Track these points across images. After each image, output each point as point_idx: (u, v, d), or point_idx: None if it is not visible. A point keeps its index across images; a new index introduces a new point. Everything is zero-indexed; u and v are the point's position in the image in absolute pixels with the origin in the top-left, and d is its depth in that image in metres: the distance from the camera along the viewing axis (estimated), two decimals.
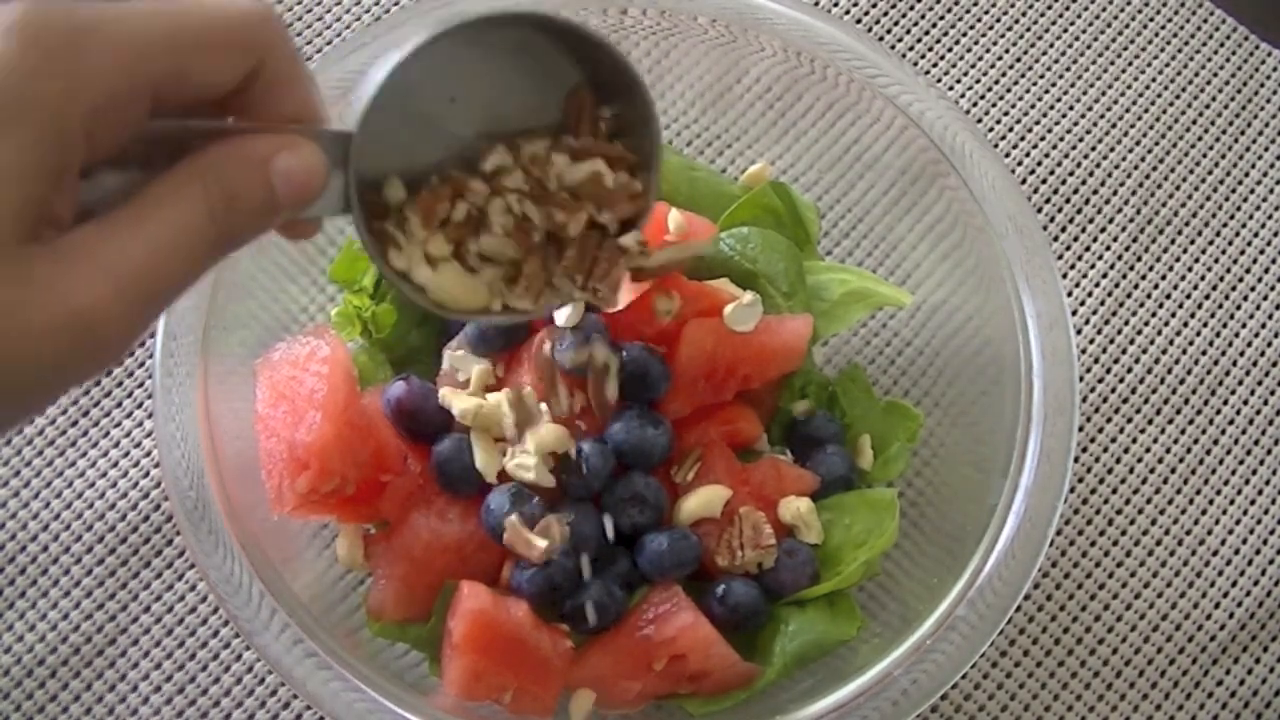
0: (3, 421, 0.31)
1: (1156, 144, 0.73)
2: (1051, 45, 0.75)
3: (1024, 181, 0.71)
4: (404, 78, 0.38)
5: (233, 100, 0.35)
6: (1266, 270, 0.71)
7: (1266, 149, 0.73)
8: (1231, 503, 0.66)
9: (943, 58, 0.74)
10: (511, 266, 0.43)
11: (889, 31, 0.75)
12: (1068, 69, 0.74)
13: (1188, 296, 0.70)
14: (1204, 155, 0.73)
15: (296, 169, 0.34)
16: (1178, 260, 0.70)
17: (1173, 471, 0.66)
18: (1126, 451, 0.66)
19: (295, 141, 0.35)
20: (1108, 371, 0.68)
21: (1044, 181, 0.72)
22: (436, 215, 0.41)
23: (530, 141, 0.43)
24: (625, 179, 0.44)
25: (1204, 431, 0.67)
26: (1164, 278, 0.70)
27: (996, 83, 0.74)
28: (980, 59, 0.74)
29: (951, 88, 0.73)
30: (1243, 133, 0.73)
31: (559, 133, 0.44)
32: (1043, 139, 0.73)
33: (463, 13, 0.39)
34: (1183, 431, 0.67)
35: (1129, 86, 0.74)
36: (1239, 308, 0.70)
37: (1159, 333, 0.69)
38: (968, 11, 0.75)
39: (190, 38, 0.32)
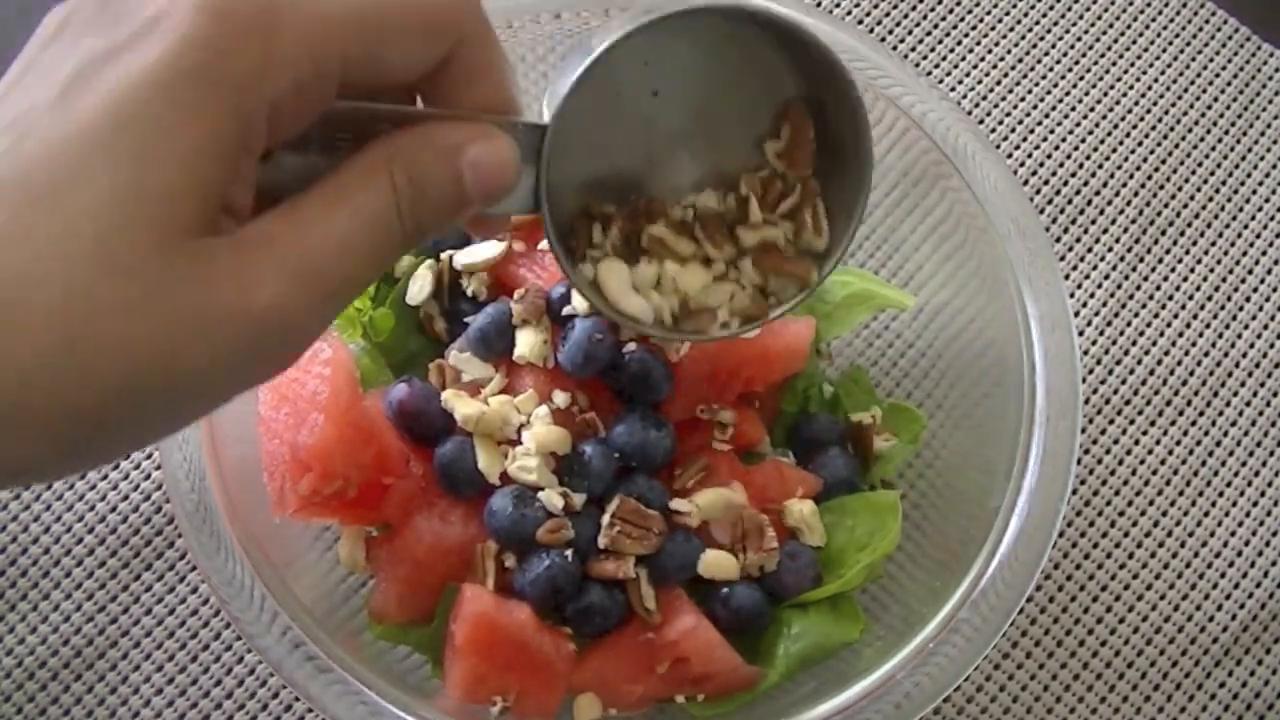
0: (181, 420, 0.30)
1: (1159, 145, 0.73)
2: (1053, 46, 0.75)
3: (1026, 183, 0.71)
4: (605, 68, 0.35)
5: (424, 84, 0.33)
6: (1269, 271, 0.70)
7: (1269, 150, 0.73)
8: (1234, 505, 0.66)
9: (944, 59, 0.74)
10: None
11: (890, 32, 0.74)
12: (1069, 70, 0.74)
13: (1190, 298, 0.70)
14: (1206, 156, 0.73)
15: (488, 161, 0.32)
16: (1180, 261, 0.70)
17: (1175, 473, 0.66)
18: (1129, 453, 0.66)
19: (488, 131, 0.33)
20: (1110, 373, 0.68)
21: (1046, 183, 0.72)
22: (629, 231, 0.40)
23: (731, 167, 0.41)
24: (803, 256, 0.43)
25: (1206, 433, 0.67)
26: (1166, 279, 0.70)
27: (998, 84, 0.74)
28: (982, 60, 0.74)
29: (953, 89, 0.73)
30: (1245, 133, 0.73)
31: (762, 144, 0.42)
32: (1045, 140, 0.73)
33: (677, 1, 0.36)
34: (1185, 433, 0.67)
35: (1131, 87, 0.74)
36: (1241, 309, 0.70)
37: (1161, 334, 0.69)
38: (969, 12, 0.75)
39: (385, 19, 0.30)
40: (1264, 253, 0.71)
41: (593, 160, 0.39)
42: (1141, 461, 0.66)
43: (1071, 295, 0.69)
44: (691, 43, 0.38)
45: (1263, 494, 0.66)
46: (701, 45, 0.38)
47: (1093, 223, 0.71)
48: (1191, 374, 0.68)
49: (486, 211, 0.35)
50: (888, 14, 0.75)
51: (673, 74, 0.38)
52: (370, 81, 0.31)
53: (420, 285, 0.57)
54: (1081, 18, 0.76)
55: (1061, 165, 0.72)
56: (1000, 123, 0.73)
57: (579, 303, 0.53)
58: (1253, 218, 0.72)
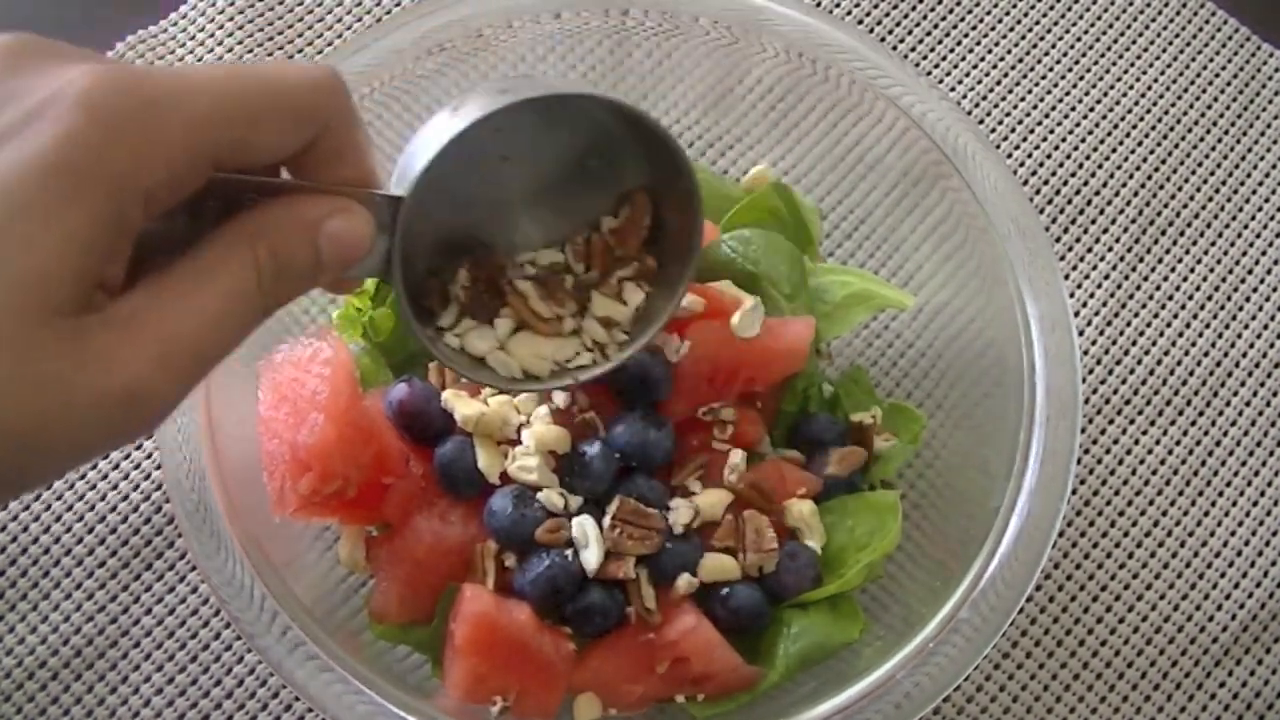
0: (34, 484, 0.31)
1: (1158, 145, 0.73)
2: (1053, 46, 0.75)
3: (1026, 183, 0.71)
4: (458, 139, 0.38)
5: (291, 162, 0.35)
6: (1269, 271, 0.71)
7: (1269, 150, 0.73)
8: (1234, 505, 0.66)
9: (944, 58, 0.74)
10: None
11: (890, 32, 0.75)
12: (1069, 70, 0.74)
13: (1190, 298, 0.70)
14: (1206, 156, 0.73)
15: (345, 234, 0.34)
16: (1180, 261, 0.70)
17: (1175, 473, 0.66)
18: (1129, 453, 0.66)
19: (345, 205, 0.35)
20: (1110, 373, 0.68)
21: (1046, 183, 0.72)
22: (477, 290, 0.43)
23: (571, 233, 0.45)
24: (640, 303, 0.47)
25: (1206, 433, 0.67)
26: (1166, 279, 0.70)
27: (998, 83, 0.74)
28: (982, 60, 0.74)
29: (953, 89, 0.73)
30: (1245, 133, 0.73)
31: (601, 216, 0.45)
32: (1045, 140, 0.73)
33: (536, 84, 0.38)
34: (1185, 433, 0.67)
35: (1131, 87, 0.74)
36: (1241, 309, 0.70)
37: (1161, 334, 0.69)
38: (969, 12, 0.75)
39: (256, 111, 0.32)
40: (1264, 253, 0.71)
41: (443, 223, 0.42)
42: (1141, 461, 0.66)
43: (1071, 295, 0.69)
44: (542, 115, 0.41)
45: (1263, 494, 0.66)
46: (552, 119, 0.41)
47: (1093, 223, 0.71)
48: (1191, 374, 0.68)
49: (341, 276, 0.37)
50: (888, 14, 0.75)
51: (523, 143, 0.41)
52: (241, 163, 0.33)
53: None
54: (1081, 18, 0.76)
55: (1061, 165, 0.72)
56: (1000, 123, 0.73)
57: None
58: (1253, 218, 0.72)
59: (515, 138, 0.40)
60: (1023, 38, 0.75)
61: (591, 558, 0.50)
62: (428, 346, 0.42)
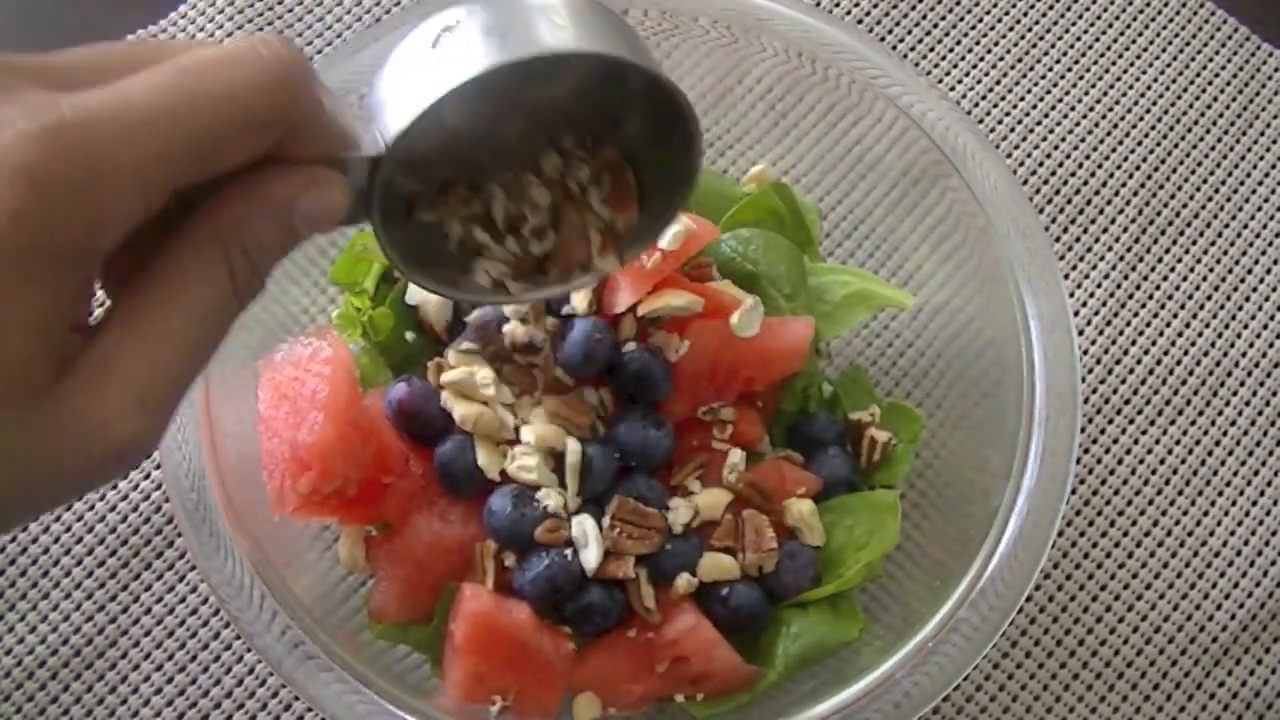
0: (15, 524, 0.31)
1: (1158, 144, 0.73)
2: (1053, 46, 0.75)
3: (1025, 182, 0.71)
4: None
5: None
6: (1269, 271, 0.71)
7: (1269, 149, 0.73)
8: (1233, 504, 0.66)
9: (944, 58, 0.74)
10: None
11: (890, 32, 0.75)
12: (1069, 69, 0.74)
13: (1189, 297, 0.70)
14: (1206, 156, 0.73)
15: (321, 209, 0.32)
16: (1179, 261, 0.70)
17: (1174, 473, 0.66)
18: (1128, 453, 0.66)
19: (318, 177, 0.32)
20: (1109, 373, 0.68)
21: (1045, 182, 0.72)
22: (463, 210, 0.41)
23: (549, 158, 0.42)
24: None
25: (1206, 433, 0.67)
26: (1166, 279, 0.70)
27: (998, 83, 0.74)
28: (981, 59, 0.74)
29: (953, 88, 0.73)
30: (1244, 133, 0.73)
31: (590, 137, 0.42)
32: (1044, 139, 0.73)
33: (528, 32, 0.35)
34: (1184, 433, 0.67)
35: (1130, 87, 0.74)
36: (1241, 309, 0.70)
37: (1161, 334, 0.69)
38: (969, 12, 0.75)
39: (210, 137, 0.29)
40: (1264, 253, 0.71)
41: (422, 155, 0.38)
42: (1141, 461, 0.66)
43: (1071, 295, 0.69)
44: (533, 68, 0.37)
45: (1262, 493, 0.66)
46: (546, 66, 0.37)
47: (1092, 223, 0.71)
48: (1191, 373, 0.68)
49: None
50: (887, 14, 0.75)
51: (510, 82, 0.37)
52: (203, 181, 0.30)
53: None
54: (1081, 18, 0.76)
55: (1061, 165, 0.72)
56: (1000, 123, 0.73)
57: (578, 302, 0.53)
58: (1252, 217, 0.72)
59: (502, 78, 0.36)
60: (1022, 38, 0.75)
61: (591, 557, 0.50)
62: (413, 280, 0.40)
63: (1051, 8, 0.76)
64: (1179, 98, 0.74)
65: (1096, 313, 0.69)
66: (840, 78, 0.59)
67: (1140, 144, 0.73)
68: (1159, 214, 0.71)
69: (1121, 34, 0.75)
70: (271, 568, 0.50)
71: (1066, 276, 0.69)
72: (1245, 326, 0.69)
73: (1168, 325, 0.69)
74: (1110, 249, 0.70)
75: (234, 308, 0.32)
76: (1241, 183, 0.72)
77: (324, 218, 0.33)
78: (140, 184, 0.28)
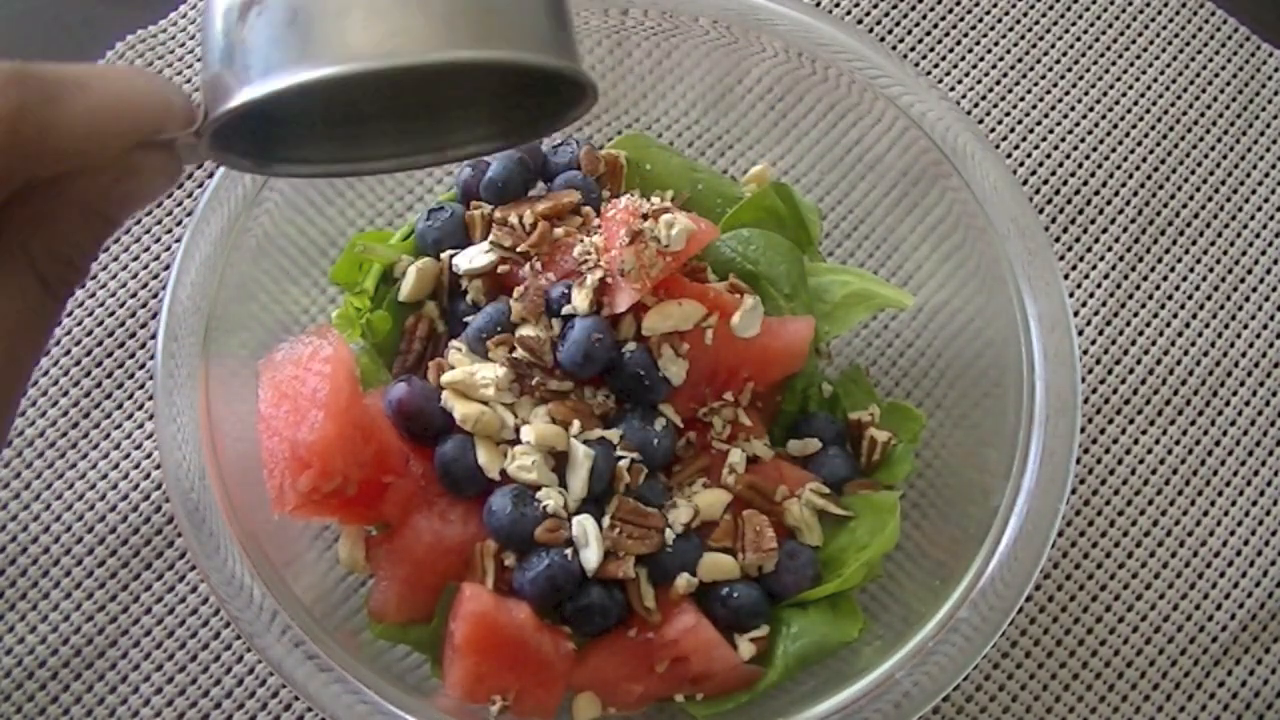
0: None
1: (1158, 144, 0.73)
2: (1053, 46, 0.75)
3: (1025, 182, 0.71)
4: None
5: None
6: (1268, 271, 0.71)
7: (1268, 149, 0.73)
8: (1233, 504, 0.66)
9: (944, 58, 0.74)
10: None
11: (890, 32, 0.75)
12: (1069, 69, 0.74)
13: (1189, 297, 0.70)
14: (1205, 156, 0.73)
15: (139, 192, 0.31)
16: (1179, 261, 0.70)
17: (1174, 473, 0.66)
18: (1128, 453, 0.66)
19: (131, 169, 0.30)
20: (1109, 373, 0.68)
21: (1045, 182, 0.72)
22: None
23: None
24: None
25: (1205, 433, 0.67)
26: (1165, 279, 0.70)
27: (998, 83, 0.74)
28: (981, 59, 0.74)
29: (953, 88, 0.73)
30: (1244, 133, 0.73)
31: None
32: (1044, 140, 0.73)
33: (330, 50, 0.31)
34: (1184, 433, 0.67)
35: (1130, 87, 0.74)
36: (1240, 309, 0.70)
37: (1160, 334, 0.69)
38: (969, 12, 0.75)
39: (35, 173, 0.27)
40: (1264, 253, 0.71)
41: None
42: (1141, 461, 0.66)
43: (1071, 295, 0.69)
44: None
45: (1262, 493, 0.66)
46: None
47: (1092, 223, 0.71)
48: (1191, 373, 0.68)
49: None
50: (887, 14, 0.75)
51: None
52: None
53: (410, 282, 0.57)
54: (1081, 18, 0.76)
55: (1061, 165, 0.72)
56: (1000, 123, 0.73)
57: (579, 302, 0.53)
58: (1252, 217, 0.72)
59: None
60: (1022, 38, 0.75)
61: (591, 557, 0.50)
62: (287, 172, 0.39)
63: (1051, 8, 0.76)
64: (1179, 98, 0.74)
65: (1096, 313, 0.69)
66: (840, 78, 0.59)
67: (1140, 144, 0.73)
68: (1159, 214, 0.71)
69: (1121, 34, 0.75)
70: (271, 568, 0.50)
71: (1066, 276, 0.69)
72: (1245, 326, 0.69)
73: (1168, 325, 0.69)
74: (1110, 249, 0.70)
75: (52, 309, 0.30)
76: (1241, 183, 0.72)
77: (148, 196, 0.31)
78: None
